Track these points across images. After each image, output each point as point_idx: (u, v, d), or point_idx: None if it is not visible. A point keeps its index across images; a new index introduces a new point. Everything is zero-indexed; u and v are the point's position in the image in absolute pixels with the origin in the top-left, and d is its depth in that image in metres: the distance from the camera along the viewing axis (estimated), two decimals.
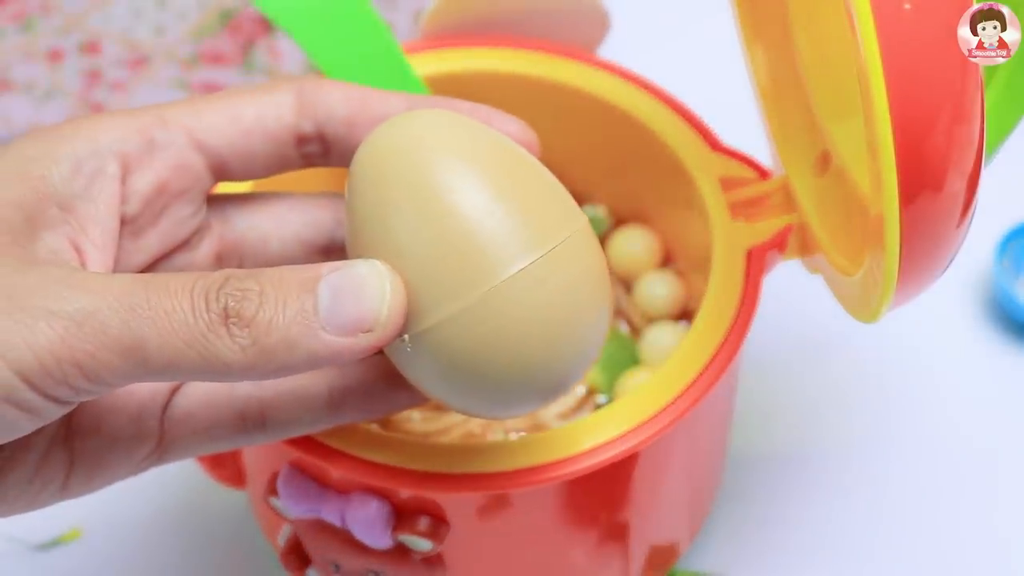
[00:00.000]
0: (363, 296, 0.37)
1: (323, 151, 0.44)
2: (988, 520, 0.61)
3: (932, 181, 0.39)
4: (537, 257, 0.38)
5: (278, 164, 0.44)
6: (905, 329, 0.66)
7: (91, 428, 0.42)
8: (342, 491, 0.48)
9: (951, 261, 0.43)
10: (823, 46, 0.53)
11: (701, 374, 0.49)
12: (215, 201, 0.45)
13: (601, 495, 0.51)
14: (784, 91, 0.55)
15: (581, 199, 0.62)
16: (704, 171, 0.55)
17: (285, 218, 0.45)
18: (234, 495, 0.61)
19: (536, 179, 0.40)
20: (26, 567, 0.60)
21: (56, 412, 0.37)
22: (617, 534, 0.53)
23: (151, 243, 0.43)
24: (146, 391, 0.42)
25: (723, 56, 0.62)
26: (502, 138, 0.41)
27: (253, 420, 0.43)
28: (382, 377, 0.45)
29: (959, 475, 0.63)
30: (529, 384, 0.39)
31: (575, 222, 0.40)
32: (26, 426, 0.37)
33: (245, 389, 0.43)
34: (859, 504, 0.62)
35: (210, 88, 0.72)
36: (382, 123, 0.40)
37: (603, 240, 0.61)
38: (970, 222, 0.41)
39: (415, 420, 0.56)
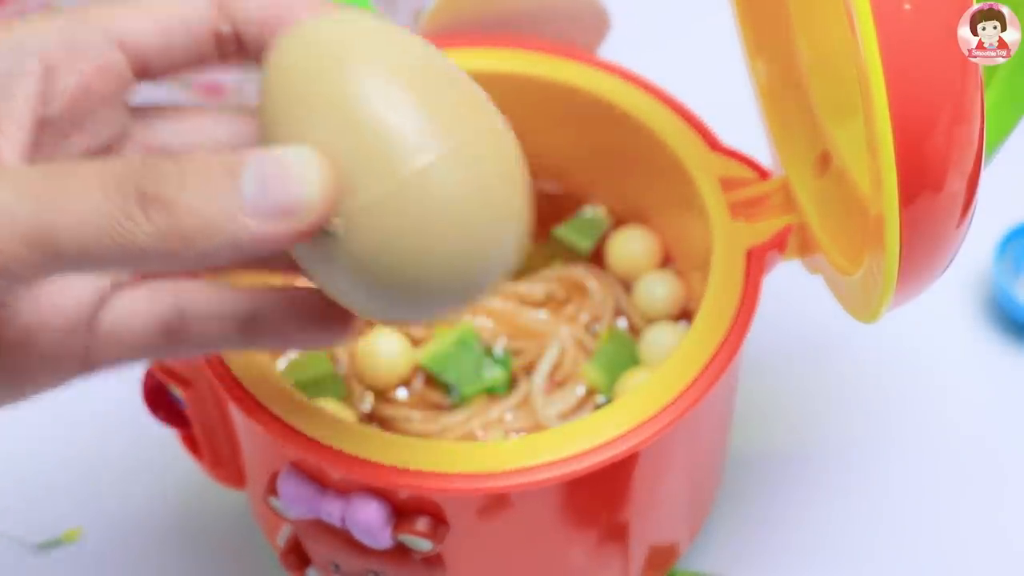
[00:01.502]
0: (291, 181, 0.36)
1: (239, 50, 0.44)
2: (988, 519, 0.61)
3: (932, 181, 0.39)
4: (446, 150, 0.38)
5: (197, 61, 0.43)
6: (905, 329, 0.66)
7: (17, 342, 0.41)
8: (342, 491, 0.48)
9: (951, 261, 0.43)
10: (823, 46, 0.53)
11: (701, 374, 0.49)
12: (140, 112, 0.44)
13: (601, 495, 0.51)
14: (784, 91, 0.55)
15: (581, 199, 0.62)
16: (704, 171, 0.55)
17: (210, 130, 0.44)
18: (234, 495, 0.61)
19: (447, 79, 0.40)
20: (26, 567, 0.60)
21: None
22: (617, 534, 0.53)
23: (75, 145, 0.41)
24: (71, 306, 0.41)
25: (723, 56, 0.62)
26: (414, 39, 0.40)
27: (176, 333, 0.43)
28: (301, 306, 0.44)
29: (959, 475, 0.63)
30: (443, 280, 0.38)
31: (488, 121, 0.40)
32: None
33: (167, 301, 0.43)
34: (859, 504, 0.62)
35: (211, 88, 0.72)
36: (292, 25, 0.40)
37: (603, 240, 0.61)
38: (970, 222, 0.41)
39: (415, 421, 0.56)
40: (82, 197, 0.35)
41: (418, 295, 0.38)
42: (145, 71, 0.42)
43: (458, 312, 0.40)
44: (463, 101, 0.39)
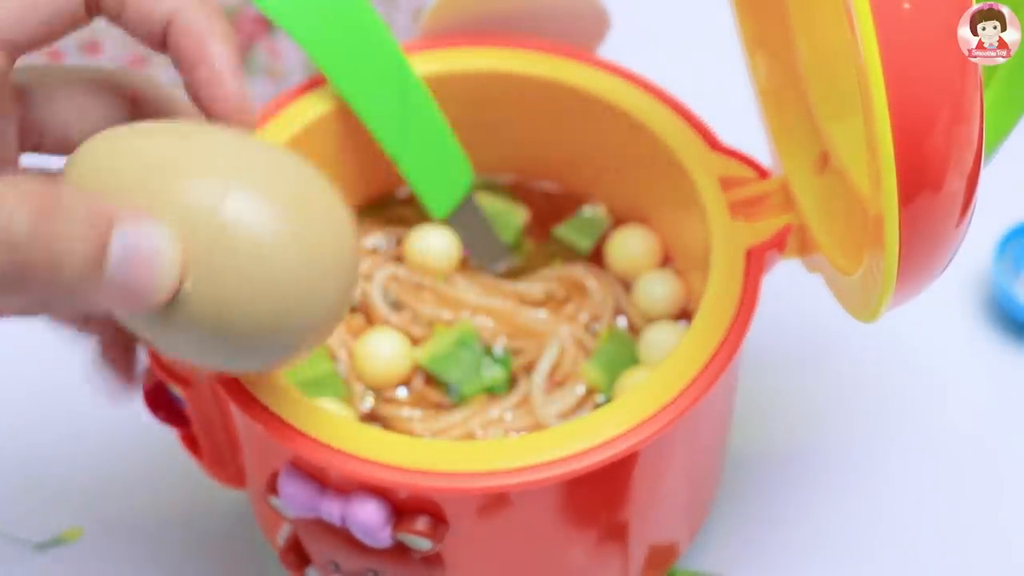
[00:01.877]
0: (152, 271, 0.39)
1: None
2: (988, 519, 0.61)
3: (931, 181, 0.39)
4: (280, 227, 0.41)
5: (71, 26, 0.44)
6: (905, 329, 0.66)
7: None
8: (342, 490, 0.48)
9: (950, 261, 0.43)
10: (823, 46, 0.53)
11: (700, 374, 0.49)
12: (19, 92, 0.45)
13: (600, 494, 0.51)
14: (784, 91, 0.55)
15: (581, 198, 0.62)
16: (704, 171, 0.55)
17: (86, 109, 0.46)
18: (234, 495, 0.61)
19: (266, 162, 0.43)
20: (26, 567, 0.60)
21: None
22: (616, 533, 0.53)
23: None
24: None
25: (723, 56, 0.62)
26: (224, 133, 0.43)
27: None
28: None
29: (959, 475, 0.63)
30: (269, 336, 0.42)
31: (307, 190, 0.43)
32: None
33: None
34: (859, 504, 0.62)
35: None
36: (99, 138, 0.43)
37: (602, 240, 0.61)
38: (969, 222, 0.41)
39: (415, 420, 0.56)
40: None
41: (247, 349, 0.42)
42: (16, 52, 0.43)
43: (288, 361, 0.44)
44: (288, 180, 0.43)
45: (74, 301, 0.38)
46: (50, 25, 0.43)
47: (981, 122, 0.39)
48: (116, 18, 0.44)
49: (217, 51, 0.44)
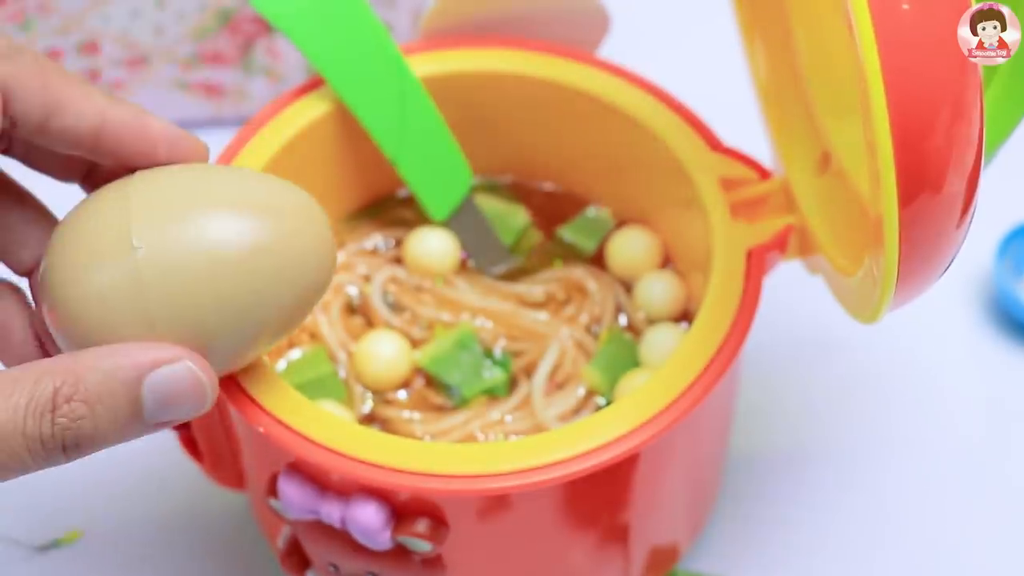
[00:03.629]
0: (184, 402, 0.41)
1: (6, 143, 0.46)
2: (989, 520, 0.61)
3: (931, 181, 0.39)
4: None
5: None
6: (906, 329, 0.65)
7: None
8: (341, 493, 0.48)
9: (951, 262, 0.43)
10: (823, 46, 0.53)
11: (701, 375, 0.49)
12: None
13: (601, 496, 0.51)
14: (784, 91, 0.55)
15: (582, 199, 0.62)
16: (704, 171, 0.55)
17: (20, 230, 0.47)
18: (234, 497, 0.61)
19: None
20: (26, 568, 0.60)
21: None
22: (617, 535, 0.53)
23: None
24: None
25: (723, 56, 0.62)
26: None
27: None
28: None
29: (959, 475, 0.62)
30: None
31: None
32: None
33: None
34: (859, 504, 0.62)
35: (209, 88, 0.72)
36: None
37: (603, 241, 0.60)
38: (970, 223, 0.41)
39: (415, 422, 0.56)
40: (8, 456, 0.39)
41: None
42: None
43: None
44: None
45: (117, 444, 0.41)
46: None
47: (981, 123, 0.39)
48: (38, 134, 0.45)
49: (152, 122, 0.46)
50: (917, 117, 0.38)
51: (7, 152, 0.46)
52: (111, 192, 0.44)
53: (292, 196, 0.46)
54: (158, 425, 0.41)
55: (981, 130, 0.39)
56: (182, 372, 0.41)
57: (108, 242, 0.43)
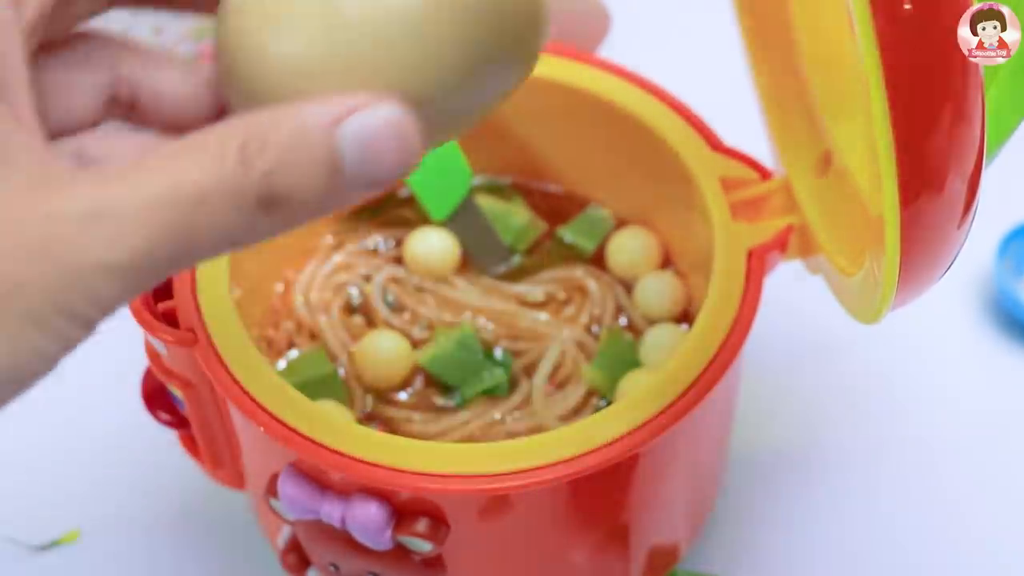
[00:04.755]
0: (389, 150, 0.35)
1: None
2: (988, 520, 0.61)
3: (933, 182, 0.39)
4: None
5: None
6: (906, 329, 0.65)
7: None
8: (342, 492, 0.48)
9: (952, 262, 0.42)
10: (825, 46, 0.53)
11: (702, 375, 0.49)
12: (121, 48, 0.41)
13: (601, 496, 0.51)
14: (785, 91, 0.55)
15: (583, 199, 0.62)
16: (705, 171, 0.55)
17: (179, 82, 0.41)
18: (234, 496, 0.61)
19: None
20: (25, 567, 0.60)
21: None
22: (618, 535, 0.53)
23: (80, 84, 0.39)
24: None
25: (723, 56, 0.61)
26: None
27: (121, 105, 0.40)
28: None
29: (959, 475, 0.62)
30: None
31: None
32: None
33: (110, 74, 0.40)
34: (859, 504, 0.62)
35: None
36: None
37: (604, 241, 0.60)
38: (971, 223, 0.41)
39: (415, 422, 0.56)
40: (211, 223, 0.34)
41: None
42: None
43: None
44: None
45: (323, 213, 0.35)
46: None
47: (982, 123, 0.39)
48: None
49: None
50: (918, 117, 0.38)
51: None
52: None
53: None
54: (362, 185, 0.35)
55: (982, 131, 0.39)
56: (385, 115, 0.35)
57: None
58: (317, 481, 0.48)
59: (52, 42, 0.39)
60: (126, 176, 0.34)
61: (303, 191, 0.35)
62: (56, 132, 0.39)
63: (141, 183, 0.34)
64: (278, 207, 0.35)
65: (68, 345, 0.35)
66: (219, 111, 0.40)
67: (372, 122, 0.35)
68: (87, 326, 0.34)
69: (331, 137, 0.35)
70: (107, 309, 0.35)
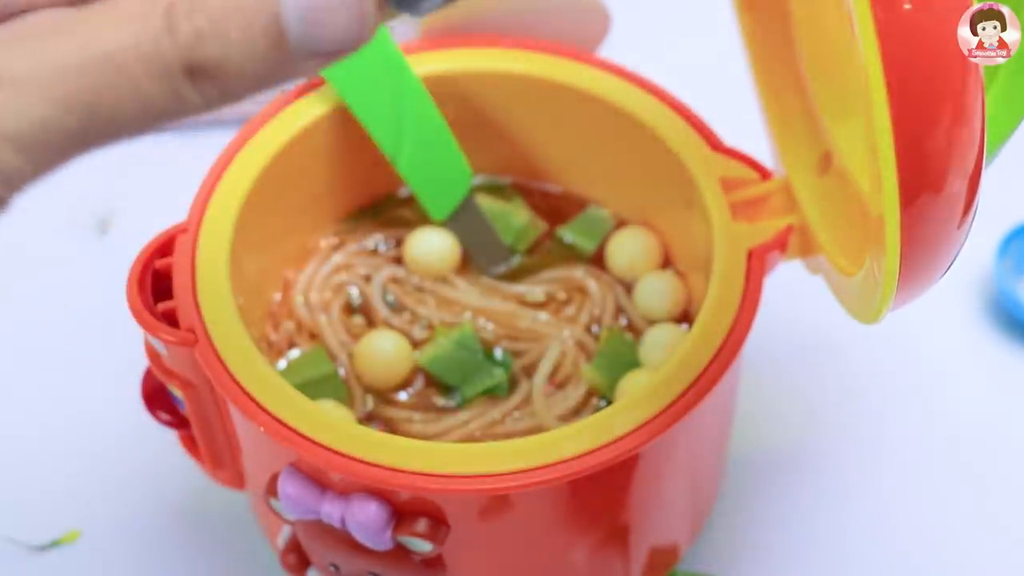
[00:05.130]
0: (337, 16, 0.32)
1: None
2: (988, 520, 0.61)
3: (933, 182, 0.39)
4: None
5: None
6: (906, 329, 0.65)
7: None
8: (342, 492, 0.48)
9: (952, 262, 0.42)
10: (825, 46, 0.53)
11: (701, 376, 0.49)
12: None
13: (601, 497, 0.51)
14: (785, 91, 0.55)
15: (583, 199, 0.62)
16: (705, 171, 0.55)
17: None
18: (234, 496, 0.61)
19: None
20: (25, 568, 0.60)
21: None
22: (618, 535, 0.53)
23: None
24: None
25: (724, 56, 0.61)
26: None
27: None
28: None
29: (959, 475, 0.62)
30: None
31: None
32: None
33: None
34: (859, 504, 0.62)
35: None
36: None
37: (604, 241, 0.60)
38: (971, 223, 0.41)
39: (415, 422, 0.56)
40: (130, 91, 0.32)
41: None
42: None
43: None
44: None
45: (264, 86, 0.33)
46: None
47: (983, 123, 0.39)
48: None
49: None
50: (919, 117, 0.38)
51: None
52: None
53: None
54: (308, 59, 0.32)
55: (982, 131, 0.39)
56: None
57: None
58: (317, 481, 0.48)
59: None
60: (30, 40, 0.32)
61: (238, 59, 0.32)
62: None
63: (47, 48, 0.31)
64: (209, 76, 0.32)
65: None
66: None
67: None
68: None
69: (272, 4, 0.32)
70: (13, 183, 0.32)
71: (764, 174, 0.55)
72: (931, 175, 0.39)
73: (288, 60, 0.32)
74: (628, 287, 0.59)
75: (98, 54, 0.31)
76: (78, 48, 0.31)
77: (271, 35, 0.32)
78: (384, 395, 0.57)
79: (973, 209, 0.41)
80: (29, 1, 0.35)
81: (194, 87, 0.32)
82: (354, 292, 0.59)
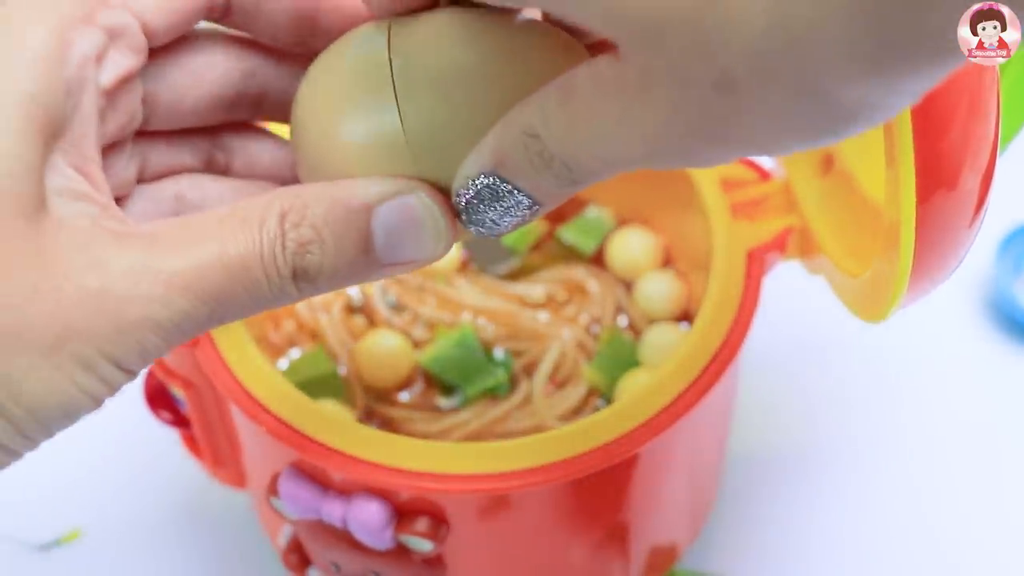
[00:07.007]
0: (418, 237, 0.37)
1: (225, 14, 0.42)
2: (988, 519, 0.61)
3: (947, 179, 0.39)
4: None
5: (193, 22, 0.41)
6: (905, 330, 0.66)
7: None
8: (343, 492, 0.48)
9: (963, 259, 0.42)
10: None
11: (701, 375, 0.49)
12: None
13: (601, 496, 0.51)
14: None
15: (583, 199, 0.62)
16: (705, 171, 0.55)
17: (202, 76, 0.42)
18: (235, 495, 0.61)
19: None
20: (27, 567, 0.60)
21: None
22: (617, 535, 0.53)
23: (107, 126, 0.40)
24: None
25: None
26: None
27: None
28: None
29: (959, 475, 0.63)
30: None
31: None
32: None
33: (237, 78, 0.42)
34: (859, 504, 0.62)
35: None
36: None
37: (604, 241, 0.60)
38: (982, 221, 0.41)
39: (416, 421, 0.56)
40: (248, 289, 0.36)
41: None
42: (153, 40, 0.40)
43: None
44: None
45: (351, 284, 0.38)
46: (180, 14, 0.40)
47: (997, 119, 0.39)
48: (252, 13, 0.41)
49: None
50: (935, 114, 0.38)
51: (222, 20, 0.42)
52: (367, 38, 0.39)
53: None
54: (391, 266, 0.37)
55: (997, 127, 0.39)
56: (414, 203, 0.37)
57: (367, 89, 0.38)
58: (318, 480, 0.48)
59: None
60: (178, 240, 0.36)
61: (331, 263, 0.37)
62: (156, 175, 0.42)
63: (192, 248, 0.36)
64: (309, 279, 0.37)
65: (112, 388, 0.36)
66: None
67: (403, 208, 0.37)
68: (130, 373, 0.36)
69: (364, 220, 0.37)
70: (148, 360, 0.36)
71: (764, 175, 0.55)
72: (946, 172, 0.39)
73: (373, 266, 0.37)
74: (628, 287, 0.59)
75: (233, 257, 0.36)
76: (217, 252, 0.36)
77: (363, 247, 0.37)
78: (385, 395, 0.57)
79: (985, 206, 0.41)
80: (170, 165, 0.42)
81: (295, 285, 0.37)
82: (355, 292, 0.59)
